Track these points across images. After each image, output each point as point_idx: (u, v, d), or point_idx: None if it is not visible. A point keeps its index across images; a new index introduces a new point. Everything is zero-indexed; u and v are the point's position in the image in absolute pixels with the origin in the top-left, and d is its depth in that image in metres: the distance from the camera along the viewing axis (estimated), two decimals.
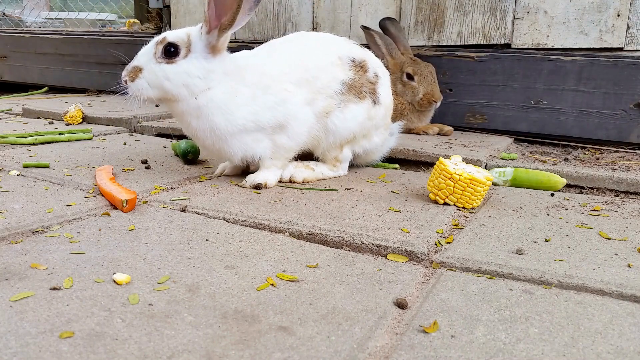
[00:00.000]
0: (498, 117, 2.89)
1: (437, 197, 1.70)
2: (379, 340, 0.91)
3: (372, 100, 1.95)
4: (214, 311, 0.98)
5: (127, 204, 1.52)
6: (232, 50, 1.85)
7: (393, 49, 2.78)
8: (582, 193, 1.98)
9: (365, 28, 2.79)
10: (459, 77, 2.95)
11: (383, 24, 2.85)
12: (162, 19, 4.29)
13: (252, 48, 1.97)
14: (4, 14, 6.82)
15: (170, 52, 1.69)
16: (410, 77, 2.74)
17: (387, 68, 2.76)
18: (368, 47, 2.66)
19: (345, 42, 1.99)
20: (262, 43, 2.01)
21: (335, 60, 1.88)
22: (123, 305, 0.98)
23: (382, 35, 2.80)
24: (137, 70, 1.72)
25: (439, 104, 2.76)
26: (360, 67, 1.93)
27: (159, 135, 2.83)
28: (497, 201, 1.77)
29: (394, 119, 2.33)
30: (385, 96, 2.01)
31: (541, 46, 2.82)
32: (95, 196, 1.66)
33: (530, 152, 2.55)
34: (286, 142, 1.82)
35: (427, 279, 1.17)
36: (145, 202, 1.63)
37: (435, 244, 1.35)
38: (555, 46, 2.79)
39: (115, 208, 1.55)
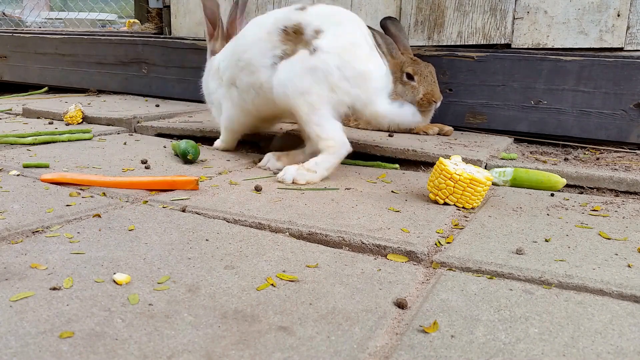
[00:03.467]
0: (498, 117, 2.88)
1: (437, 197, 1.70)
2: (379, 341, 0.91)
3: (308, 51, 1.86)
4: (214, 311, 0.98)
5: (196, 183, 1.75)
6: None
7: (393, 48, 2.78)
8: (582, 193, 1.98)
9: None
10: (459, 77, 2.95)
11: (384, 23, 2.85)
12: (162, 19, 4.29)
13: None
14: (4, 14, 6.81)
15: None
16: (410, 77, 2.74)
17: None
18: None
19: (286, 10, 1.98)
20: None
21: (263, 36, 1.96)
22: (123, 305, 0.98)
23: (383, 34, 2.80)
24: None
25: (439, 104, 2.76)
26: (294, 33, 1.91)
27: (159, 135, 2.83)
28: (497, 201, 1.77)
29: None
30: (329, 43, 1.84)
31: (541, 46, 2.82)
32: (93, 196, 1.66)
33: (530, 152, 2.54)
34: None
35: (427, 279, 1.17)
36: (145, 202, 1.63)
37: (435, 244, 1.35)
38: (555, 46, 2.79)
39: (117, 208, 1.55)
